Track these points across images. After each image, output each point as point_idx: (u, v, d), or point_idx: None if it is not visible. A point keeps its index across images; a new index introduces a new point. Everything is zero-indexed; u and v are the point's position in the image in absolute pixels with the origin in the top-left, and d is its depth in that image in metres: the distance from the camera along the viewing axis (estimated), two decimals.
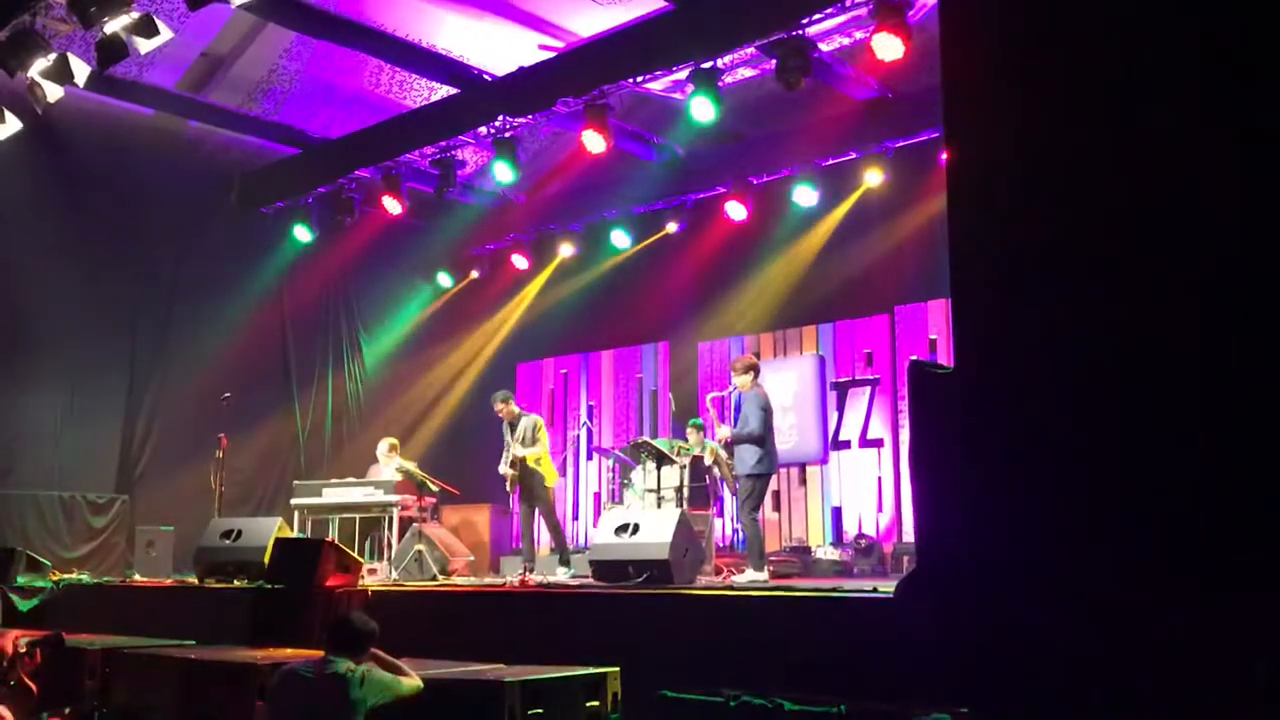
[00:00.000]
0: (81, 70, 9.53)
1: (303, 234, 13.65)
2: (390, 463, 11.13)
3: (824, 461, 12.64)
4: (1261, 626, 3.55)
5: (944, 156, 5.10)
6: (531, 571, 9.47)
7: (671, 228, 13.35)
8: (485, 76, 11.79)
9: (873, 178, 11.78)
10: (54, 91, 9.68)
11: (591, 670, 5.67)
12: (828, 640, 5.73)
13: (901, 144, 11.53)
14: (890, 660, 5.31)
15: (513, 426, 10.01)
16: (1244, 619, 3.62)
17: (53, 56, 9.43)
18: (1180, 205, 4.07)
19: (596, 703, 5.59)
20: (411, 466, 11.16)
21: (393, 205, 12.89)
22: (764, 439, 8.38)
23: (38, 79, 9.56)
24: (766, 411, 8.48)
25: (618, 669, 5.74)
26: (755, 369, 8.78)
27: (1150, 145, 4.19)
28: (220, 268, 13.50)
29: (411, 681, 5.29)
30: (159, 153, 12.96)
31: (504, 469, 9.93)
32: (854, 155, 11.91)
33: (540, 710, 5.25)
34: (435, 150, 12.31)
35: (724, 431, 8.93)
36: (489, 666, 5.85)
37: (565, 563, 9.61)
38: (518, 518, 14.92)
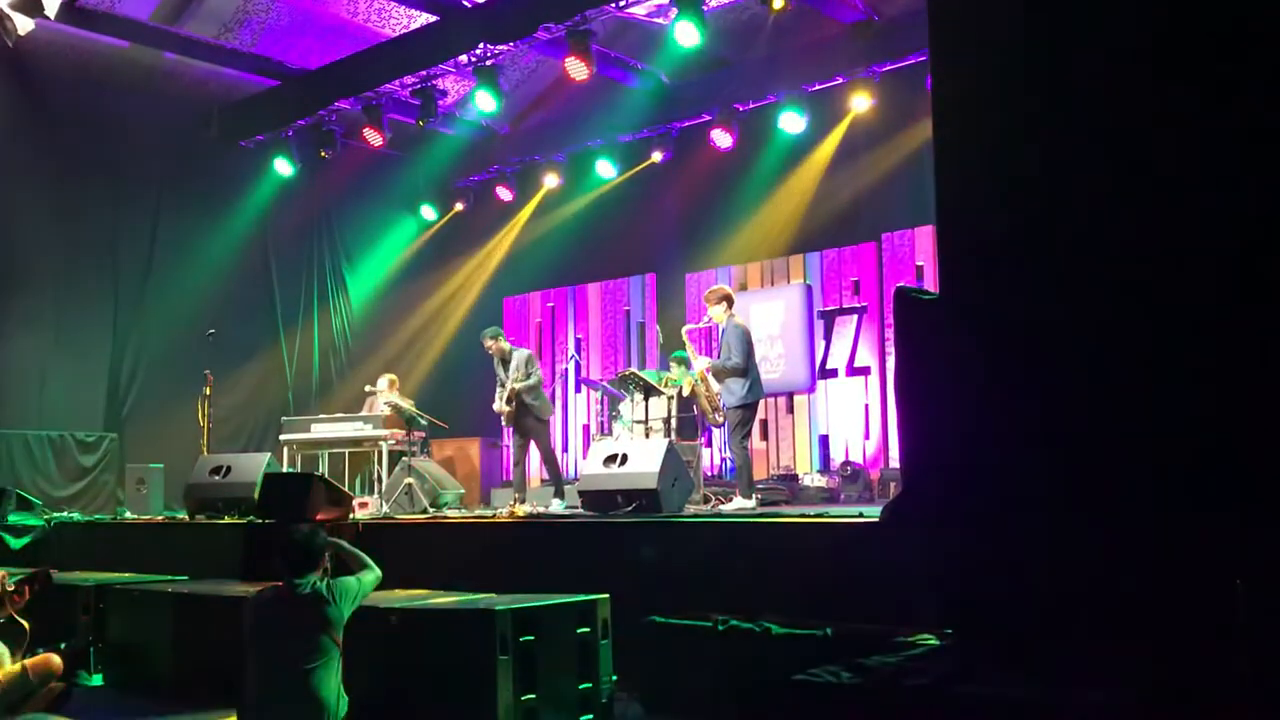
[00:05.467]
0: (52, 1, 9.31)
1: (284, 167, 13.50)
2: (385, 397, 11.12)
3: (811, 390, 12.69)
4: (1246, 556, 3.59)
5: (930, 80, 5.03)
6: (521, 503, 9.52)
7: (657, 157, 13.22)
8: (465, 3, 11.58)
9: (860, 103, 11.65)
10: (24, 24, 9.47)
11: (582, 597, 5.73)
12: (815, 565, 5.78)
13: (889, 68, 11.38)
14: (876, 584, 5.37)
15: (504, 362, 9.95)
16: (1231, 549, 3.65)
17: None
18: (1174, 130, 4.03)
19: (587, 629, 5.66)
20: (404, 402, 11.16)
21: (374, 137, 12.74)
22: (747, 369, 8.39)
23: (7, 10, 9.34)
24: (748, 342, 8.48)
25: (607, 596, 5.80)
26: (729, 299, 8.75)
27: (1142, 70, 4.14)
28: (202, 203, 13.37)
29: (371, 574, 5.33)
30: (135, 86, 12.76)
31: (499, 405, 9.90)
32: (841, 80, 11.76)
33: (531, 637, 5.31)
34: (416, 80, 12.14)
35: (702, 363, 8.93)
36: (480, 596, 5.91)
37: (559, 495, 9.66)
38: (509, 450, 15.04)
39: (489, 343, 10.10)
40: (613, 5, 10.37)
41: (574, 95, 12.70)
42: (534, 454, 10.66)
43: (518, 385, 9.68)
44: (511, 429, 10.11)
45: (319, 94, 12.63)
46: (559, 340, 15.16)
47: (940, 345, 4.67)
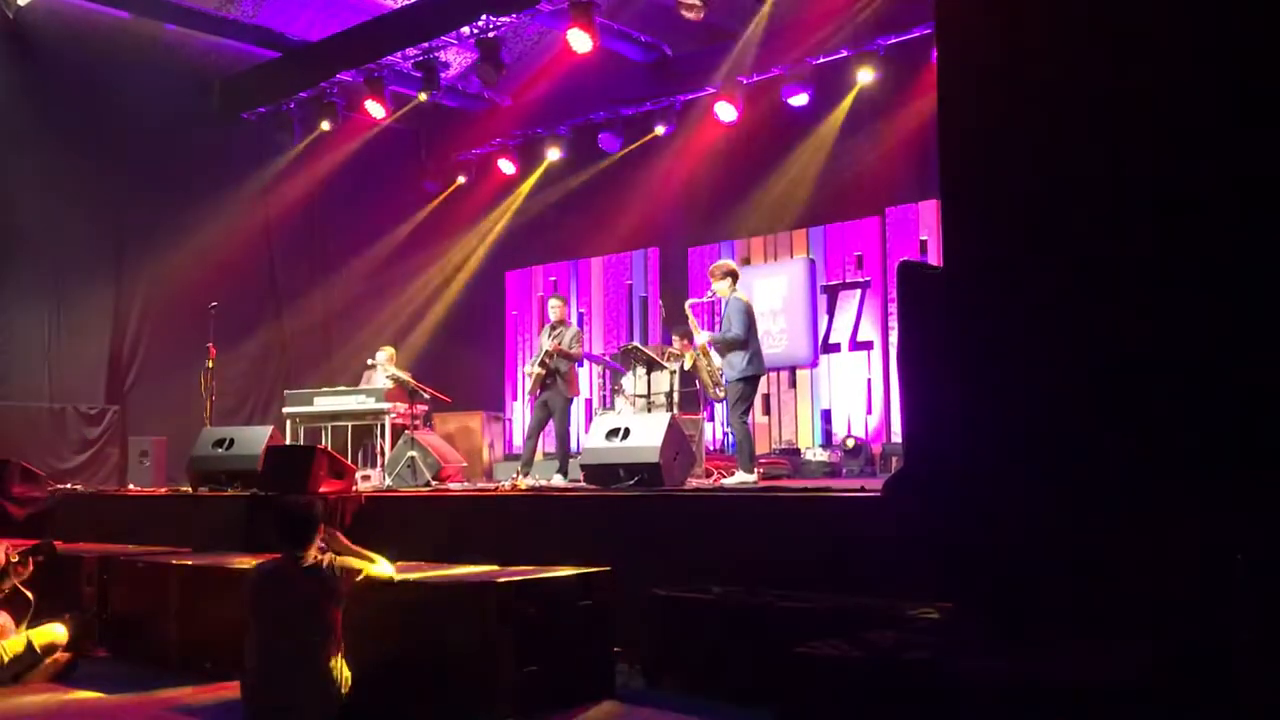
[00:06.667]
0: None
1: (285, 139, 13.45)
2: (386, 371, 11.11)
3: (814, 365, 12.68)
4: (1244, 533, 3.59)
5: (936, 54, 4.99)
6: (526, 475, 9.53)
7: (660, 130, 13.17)
8: None
9: (864, 76, 11.58)
10: None
11: (583, 570, 5.74)
12: (816, 539, 5.79)
13: (893, 41, 11.32)
14: (877, 558, 5.38)
15: (554, 329, 9.93)
16: (1227, 526, 3.65)
17: None
18: (1176, 102, 4.01)
19: (589, 602, 5.67)
20: (404, 375, 11.16)
21: (376, 109, 12.70)
22: (747, 343, 8.38)
23: None
24: (749, 316, 8.46)
25: (609, 569, 5.81)
26: (734, 274, 8.72)
27: (1145, 45, 4.11)
28: (203, 175, 13.33)
29: (381, 568, 5.29)
30: (137, 58, 12.67)
31: (531, 368, 9.89)
32: (845, 53, 11.69)
33: (533, 610, 5.32)
34: (418, 52, 12.08)
35: (703, 336, 8.93)
36: (483, 568, 5.93)
37: (563, 471, 9.67)
38: (511, 424, 15.06)
39: (555, 302, 10.13)
40: None
41: (576, 68, 12.63)
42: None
43: (560, 345, 9.62)
44: (532, 399, 10.09)
45: (321, 66, 12.57)
46: None
47: (944, 320, 4.66)
